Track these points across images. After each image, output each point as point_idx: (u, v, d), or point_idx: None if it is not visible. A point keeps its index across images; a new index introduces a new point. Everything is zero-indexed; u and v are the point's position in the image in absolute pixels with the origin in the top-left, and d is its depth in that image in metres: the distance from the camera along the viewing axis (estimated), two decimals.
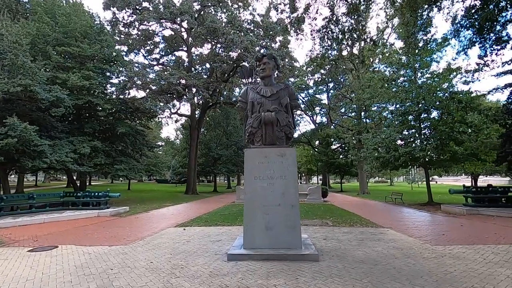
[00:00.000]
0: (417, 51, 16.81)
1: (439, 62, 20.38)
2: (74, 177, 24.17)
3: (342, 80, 43.70)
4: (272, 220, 5.68)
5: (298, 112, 40.89)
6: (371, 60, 27.06)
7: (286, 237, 5.61)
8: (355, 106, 30.45)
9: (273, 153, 5.91)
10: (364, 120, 28.83)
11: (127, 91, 22.31)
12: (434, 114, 18.41)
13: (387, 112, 19.49)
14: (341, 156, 42.86)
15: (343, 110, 45.89)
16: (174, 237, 8.19)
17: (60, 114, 15.39)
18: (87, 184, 52.27)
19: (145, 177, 77.22)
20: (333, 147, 44.59)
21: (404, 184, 74.21)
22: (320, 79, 44.63)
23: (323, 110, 46.43)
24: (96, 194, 14.64)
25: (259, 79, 6.58)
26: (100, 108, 18.70)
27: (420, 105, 16.56)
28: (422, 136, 16.29)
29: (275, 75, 7.01)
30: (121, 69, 20.97)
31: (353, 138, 31.26)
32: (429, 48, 17.00)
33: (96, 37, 19.70)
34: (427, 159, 15.25)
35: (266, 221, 5.69)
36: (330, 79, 45.10)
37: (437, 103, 15.33)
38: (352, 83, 32.29)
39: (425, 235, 8.36)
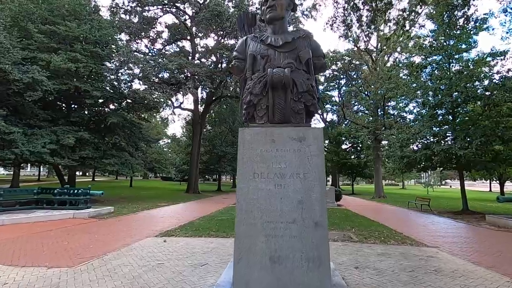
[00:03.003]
0: (454, 32, 14.20)
1: (477, 46, 17.67)
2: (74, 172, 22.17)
3: (355, 76, 41.01)
4: (282, 248, 3.38)
5: None
6: (392, 47, 24.37)
7: (306, 277, 3.31)
8: (372, 101, 27.78)
9: (286, 135, 3.61)
10: (382, 117, 26.14)
11: (124, 81, 20.30)
12: (470, 107, 15.81)
13: (414, 105, 16.92)
14: (352, 157, 40.21)
15: (355, 108, 43.21)
16: (146, 255, 5.97)
17: (36, 99, 13.40)
18: (92, 179, 51.21)
19: (151, 174, 76.06)
20: (344, 146, 41.95)
21: (416, 188, 70.77)
22: (331, 75, 42.03)
23: (334, 107, 43.75)
24: (75, 191, 12.58)
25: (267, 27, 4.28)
26: (89, 96, 16.63)
27: (455, 96, 13.98)
28: (457, 133, 13.69)
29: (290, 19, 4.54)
30: (115, 53, 18.93)
31: (368, 136, 28.64)
32: (469, 28, 14.37)
33: (87, 16, 17.69)
34: (468, 160, 12.68)
35: (271, 248, 3.39)
36: (342, 75, 42.47)
37: (480, 92, 12.72)
38: (369, 77, 29.64)
39: (499, 262, 5.92)
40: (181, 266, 5.20)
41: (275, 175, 3.56)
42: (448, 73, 14.64)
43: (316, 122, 40.15)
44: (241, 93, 4.22)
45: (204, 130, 36.68)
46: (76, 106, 18.61)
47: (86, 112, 18.59)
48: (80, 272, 4.86)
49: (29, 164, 22.13)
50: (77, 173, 66.08)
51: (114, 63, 18.50)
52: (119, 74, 18.83)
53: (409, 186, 77.56)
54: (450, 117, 15.28)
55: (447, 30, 13.64)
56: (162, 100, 21.69)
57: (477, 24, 14.00)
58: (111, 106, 20.55)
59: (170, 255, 5.95)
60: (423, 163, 14.84)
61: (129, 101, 20.71)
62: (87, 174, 64.80)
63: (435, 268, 5.32)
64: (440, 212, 15.72)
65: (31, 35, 15.35)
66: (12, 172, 30.37)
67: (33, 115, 15.06)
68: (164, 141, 69.63)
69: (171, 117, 43.40)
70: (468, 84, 13.00)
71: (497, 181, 35.72)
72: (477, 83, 13.96)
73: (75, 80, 16.28)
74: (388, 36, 16.77)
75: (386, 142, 29.40)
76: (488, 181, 53.44)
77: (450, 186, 79.36)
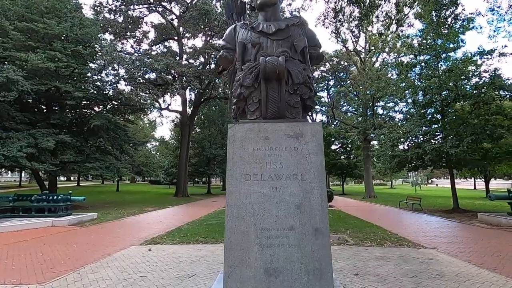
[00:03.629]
0: (442, 30, 14.24)
1: (464, 45, 17.85)
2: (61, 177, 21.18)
3: (344, 76, 41.23)
4: (278, 259, 2.99)
5: None
6: (381, 48, 24.48)
7: None
8: (361, 101, 27.85)
9: (281, 132, 3.23)
10: (371, 117, 26.20)
11: (109, 82, 19.53)
12: (458, 105, 15.90)
13: (403, 104, 16.90)
14: (342, 157, 40.33)
15: (344, 108, 43.39)
16: (128, 266, 5.46)
17: (11, 99, 12.58)
18: (77, 184, 49.40)
19: (139, 177, 74.34)
20: (334, 147, 42.05)
21: (404, 187, 71.83)
22: (320, 76, 42.13)
23: (323, 107, 43.83)
24: (54, 197, 11.83)
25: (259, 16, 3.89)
26: (70, 97, 15.82)
27: (444, 95, 13.99)
28: (447, 131, 13.67)
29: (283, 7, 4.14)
30: (99, 53, 18.17)
31: (358, 136, 28.68)
32: (456, 27, 14.45)
33: (68, 14, 16.91)
34: (458, 158, 12.65)
35: (267, 260, 2.99)
36: (331, 76, 42.64)
37: (469, 90, 12.73)
38: (357, 77, 29.75)
39: (501, 264, 5.70)
40: (166, 278, 4.72)
41: (270, 176, 3.17)
42: (437, 72, 14.66)
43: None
44: (230, 87, 3.82)
45: (193, 132, 36.04)
46: (57, 108, 17.73)
47: (68, 114, 17.71)
48: None
49: (9, 170, 20.93)
50: (62, 178, 63.91)
51: (97, 63, 17.74)
52: (103, 75, 18.08)
53: (397, 186, 78.69)
54: (439, 116, 15.32)
55: (436, 29, 13.62)
56: (148, 101, 21.00)
57: (465, 23, 14.08)
58: (95, 108, 19.74)
59: (155, 266, 5.45)
60: (414, 162, 14.77)
61: (114, 102, 19.96)
62: (71, 179, 62.79)
63: (437, 272, 5.03)
64: (431, 211, 15.69)
65: (6, 32, 14.50)
66: None
67: (9, 117, 14.18)
68: (152, 144, 68.32)
69: (159, 119, 42.68)
70: (458, 82, 13.00)
71: (482, 179, 36.47)
72: (465, 81, 14.02)
73: (56, 80, 15.45)
74: (381, 32, 16.68)
75: (376, 142, 29.58)
76: (472, 179, 54.70)
77: (437, 185, 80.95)
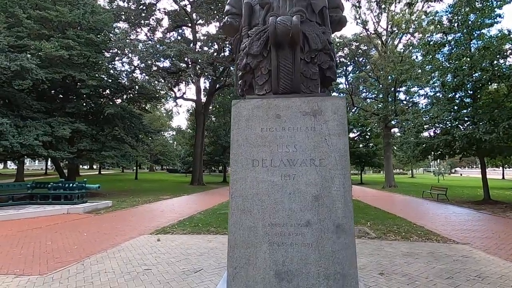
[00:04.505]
0: (476, 4, 12.86)
1: (502, 20, 16.20)
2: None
3: (363, 61, 39.36)
4: (292, 260, 2.51)
5: None
6: (405, 28, 22.83)
7: None
8: (381, 86, 26.43)
9: (296, 109, 2.68)
10: (393, 103, 24.82)
11: (125, 72, 19.46)
12: (492, 88, 14.56)
13: (430, 88, 15.69)
14: (361, 145, 39.01)
15: (364, 94, 41.63)
16: (133, 258, 5.18)
17: (26, 88, 12.63)
18: (98, 172, 51.06)
19: (157, 166, 75.99)
20: (352, 135, 40.69)
21: (426, 176, 69.27)
22: (338, 61, 40.39)
23: (341, 94, 42.26)
24: (70, 185, 11.90)
25: None
26: (84, 85, 15.80)
27: (477, 76, 12.74)
28: (480, 116, 12.49)
29: None
30: (112, 41, 17.98)
31: (378, 124, 27.40)
32: (491, 1, 13.01)
33: (80, 1, 16.71)
34: (492, 145, 11.55)
35: (278, 260, 2.52)
36: (349, 62, 40.82)
37: (506, 71, 11.46)
38: (378, 61, 28.18)
39: None
40: (171, 273, 4.38)
41: (282, 162, 2.65)
42: (469, 51, 13.36)
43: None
44: (236, 58, 3.28)
45: (208, 120, 35.84)
46: (73, 97, 17.85)
47: (83, 103, 17.80)
48: (49, 283, 4.08)
49: (29, 158, 21.56)
50: (85, 167, 66.27)
51: (111, 50, 17.58)
52: (117, 64, 17.94)
53: (418, 175, 76.02)
54: (469, 100, 14.08)
55: (469, 1, 12.28)
56: (162, 92, 20.79)
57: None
58: (109, 97, 19.77)
59: (161, 258, 5.14)
60: (441, 150, 13.72)
61: (129, 92, 19.91)
62: (94, 167, 65.07)
63: (476, 273, 4.40)
64: (458, 202, 14.69)
65: (20, 21, 14.50)
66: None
67: (26, 106, 14.34)
68: (169, 133, 69.28)
69: (175, 109, 42.73)
70: (494, 62, 11.75)
71: (496, 169, 34.22)
72: (502, 60, 12.70)
73: (70, 69, 15.43)
74: (410, 2, 15.25)
75: (397, 129, 28.20)
76: (501, 168, 51.79)
77: (461, 174, 77.51)
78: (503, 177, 50.56)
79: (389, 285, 3.88)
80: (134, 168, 39.40)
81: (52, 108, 15.92)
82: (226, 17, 3.34)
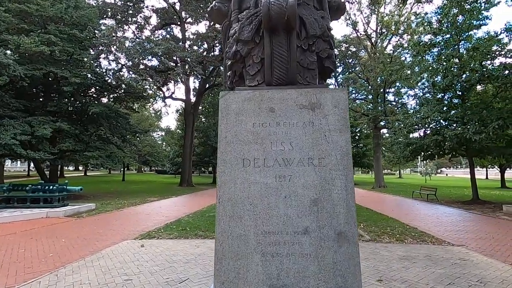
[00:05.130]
0: (465, 6, 12.96)
1: (488, 23, 16.45)
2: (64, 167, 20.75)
3: (353, 62, 39.64)
4: (287, 273, 2.21)
5: None
6: (394, 29, 22.99)
7: None
8: (371, 87, 26.58)
9: (292, 101, 2.39)
10: (383, 104, 24.95)
11: (112, 70, 18.79)
12: (480, 89, 14.73)
13: (418, 89, 15.75)
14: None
15: (353, 95, 41.89)
16: (114, 267, 4.78)
17: (1, 84, 11.92)
18: (84, 174, 49.56)
19: (146, 167, 74.57)
20: None
21: (412, 177, 70.47)
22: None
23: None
24: (49, 187, 11.27)
25: None
26: (67, 83, 15.10)
27: (465, 77, 12.81)
28: (469, 117, 12.55)
29: None
30: (97, 37, 17.31)
31: (367, 125, 27.52)
32: (481, 2, 13.14)
33: None
34: (481, 145, 11.62)
35: (272, 274, 2.21)
36: (339, 63, 41.03)
37: (495, 72, 11.54)
38: (368, 63, 28.36)
39: None
40: (154, 284, 4.01)
41: (276, 161, 2.35)
42: (458, 52, 13.45)
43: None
44: (224, 45, 2.96)
45: (198, 121, 35.28)
46: (55, 95, 17.09)
47: (66, 102, 17.06)
48: None
49: (15, 159, 20.59)
50: (70, 168, 64.22)
51: (96, 47, 16.92)
52: (103, 61, 17.29)
53: (405, 175, 77.27)
54: (458, 101, 14.20)
55: (459, 2, 12.34)
56: (148, 87, 20.22)
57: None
58: (94, 95, 19.08)
59: (144, 266, 4.76)
60: (431, 150, 13.75)
61: (116, 90, 19.25)
62: (80, 168, 63.26)
63: (477, 278, 4.21)
64: (448, 202, 14.77)
65: None
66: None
67: (3, 104, 13.58)
68: (158, 134, 68.16)
69: (164, 109, 41.93)
70: (483, 62, 11.83)
71: (495, 169, 35.09)
72: (489, 61, 12.83)
73: (51, 66, 14.72)
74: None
75: (387, 130, 28.42)
76: (484, 169, 53.14)
77: (446, 174, 79.29)
78: (487, 177, 51.92)
79: None
80: (122, 169, 38.40)
81: (32, 107, 15.17)
82: (214, 2, 3.03)
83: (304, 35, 2.49)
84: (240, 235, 2.28)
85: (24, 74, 13.12)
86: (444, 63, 13.43)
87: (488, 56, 12.11)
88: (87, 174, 50.74)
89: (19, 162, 59.18)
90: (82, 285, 4.01)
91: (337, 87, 41.26)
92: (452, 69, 12.96)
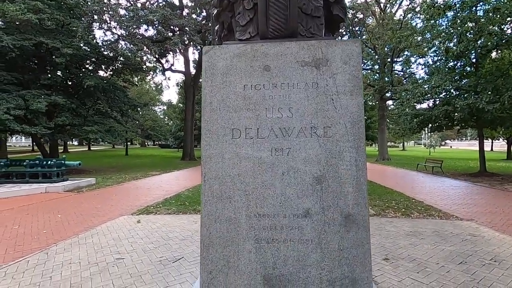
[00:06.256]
0: None
1: None
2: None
3: (359, 31, 37.70)
4: (285, 261, 1.90)
5: None
6: None
7: None
8: (378, 56, 25.36)
9: (291, 57, 1.94)
10: (390, 74, 23.89)
11: (108, 42, 17.90)
12: (496, 55, 13.82)
13: (430, 56, 14.84)
14: None
15: None
16: (107, 244, 4.59)
17: None
18: (88, 149, 49.84)
19: (149, 142, 74.85)
20: None
21: (416, 149, 70.08)
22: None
23: None
24: (47, 162, 11.09)
25: None
26: (59, 54, 14.39)
27: (481, 42, 11.91)
28: (483, 85, 11.83)
29: None
30: (88, 2, 16.26)
31: (373, 96, 26.65)
32: None
33: None
34: (493, 116, 11.03)
35: (267, 262, 1.90)
36: (344, 31, 39.05)
37: None
38: (375, 30, 26.85)
39: None
40: (146, 263, 3.80)
41: (272, 131, 1.95)
42: (476, 14, 12.41)
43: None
44: None
45: (198, 93, 34.49)
46: (49, 68, 16.43)
47: (60, 74, 16.44)
48: (1, 278, 3.46)
49: (11, 134, 20.36)
50: (74, 143, 64.58)
51: (87, 15, 15.94)
52: (96, 31, 16.39)
53: (408, 148, 76.94)
54: (470, 69, 13.37)
55: None
56: (146, 58, 19.39)
57: None
58: (90, 68, 18.37)
59: (138, 244, 4.56)
60: (440, 121, 13.19)
61: (110, 61, 18.48)
62: (84, 143, 63.67)
63: (490, 255, 3.94)
64: (454, 174, 14.47)
65: None
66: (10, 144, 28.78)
67: None
68: (160, 108, 67.56)
69: (164, 82, 40.97)
70: (503, 26, 10.91)
71: (501, 141, 34.50)
72: (507, 26, 11.85)
73: (41, 35, 13.94)
74: None
75: (392, 102, 27.56)
76: (489, 140, 52.47)
77: (451, 147, 78.78)
78: (492, 149, 51.45)
79: (397, 273, 3.38)
80: (125, 144, 38.40)
81: (25, 80, 14.62)
82: None
83: None
84: (230, 218, 1.94)
85: (12, 44, 12.48)
86: (459, 28, 12.46)
87: (509, 18, 11.11)
88: (91, 149, 51.02)
89: (23, 137, 59.47)
90: (72, 264, 3.82)
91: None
92: (468, 34, 12.03)
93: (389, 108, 30.05)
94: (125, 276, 3.42)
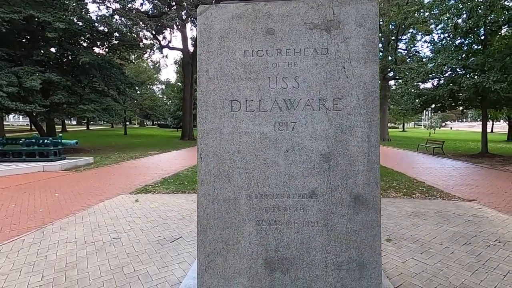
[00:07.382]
0: None
1: None
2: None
3: None
4: (288, 244, 1.77)
5: None
6: None
7: None
8: (382, 34, 24.54)
9: (298, 17, 1.71)
10: (394, 52, 23.24)
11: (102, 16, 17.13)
12: (507, 33, 13.31)
13: (438, 32, 14.29)
14: None
15: None
16: (103, 223, 4.51)
17: None
18: (86, 128, 49.55)
19: (149, 121, 74.34)
20: None
21: (416, 130, 69.96)
22: None
23: None
24: (44, 141, 10.92)
25: None
26: (51, 28, 13.79)
27: (493, 17, 11.40)
28: (491, 64, 11.44)
29: None
30: None
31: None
32: None
33: None
34: (499, 96, 10.76)
35: (268, 245, 1.77)
36: None
37: None
38: (381, 5, 25.81)
39: None
40: (143, 242, 3.72)
41: (276, 104, 1.75)
42: None
43: None
44: None
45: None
46: (42, 43, 15.83)
47: (54, 50, 15.89)
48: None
49: (4, 112, 19.99)
50: (73, 122, 64.14)
51: None
52: (90, 5, 15.64)
53: (408, 129, 76.77)
54: (478, 47, 12.91)
55: None
56: (143, 34, 18.70)
57: None
58: (84, 44, 17.73)
59: (135, 223, 4.48)
60: (444, 101, 12.91)
61: (105, 37, 17.83)
62: (82, 123, 63.22)
63: (495, 236, 3.87)
64: (455, 155, 14.38)
65: None
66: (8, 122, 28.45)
67: None
68: (158, 87, 66.51)
69: (162, 61, 39.97)
70: None
71: (506, 121, 34.25)
72: None
73: (31, 8, 13.29)
74: None
75: (395, 81, 27.03)
76: (490, 121, 52.20)
77: (451, 128, 78.53)
78: (492, 131, 51.27)
79: (401, 254, 3.31)
80: (124, 123, 38.08)
81: (17, 56, 14.13)
82: None
83: None
84: (229, 198, 1.79)
85: (1, 18, 11.90)
86: (469, 3, 11.88)
87: None
88: (89, 128, 50.71)
89: (21, 116, 58.89)
90: (68, 243, 3.74)
91: None
92: (478, 9, 11.48)
93: (391, 88, 29.56)
94: (121, 256, 3.35)
